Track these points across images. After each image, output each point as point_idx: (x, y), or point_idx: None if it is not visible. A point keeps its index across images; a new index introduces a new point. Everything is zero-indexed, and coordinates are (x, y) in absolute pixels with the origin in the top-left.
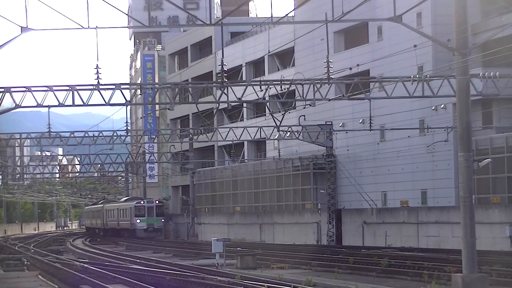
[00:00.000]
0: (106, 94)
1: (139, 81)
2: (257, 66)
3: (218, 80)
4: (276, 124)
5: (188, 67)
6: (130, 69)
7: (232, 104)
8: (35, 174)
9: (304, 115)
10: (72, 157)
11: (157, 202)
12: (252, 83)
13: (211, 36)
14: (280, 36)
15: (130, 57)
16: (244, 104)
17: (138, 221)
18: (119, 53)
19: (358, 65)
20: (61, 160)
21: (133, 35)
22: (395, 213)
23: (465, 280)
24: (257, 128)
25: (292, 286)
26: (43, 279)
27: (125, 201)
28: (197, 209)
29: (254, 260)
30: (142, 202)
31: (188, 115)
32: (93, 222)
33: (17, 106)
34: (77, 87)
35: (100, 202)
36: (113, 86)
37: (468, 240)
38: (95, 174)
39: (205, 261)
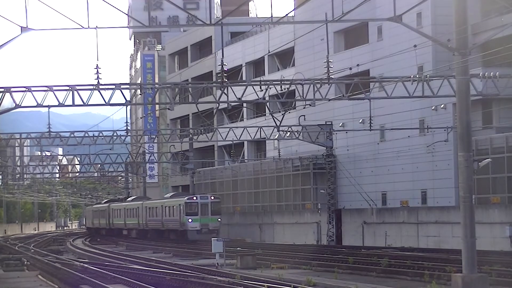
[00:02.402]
0: (106, 94)
1: (139, 81)
2: (257, 66)
3: (218, 80)
4: (276, 124)
5: (188, 67)
6: (130, 69)
7: (232, 104)
8: (35, 174)
9: (304, 115)
10: (72, 157)
11: (212, 198)
12: (252, 83)
13: (211, 36)
14: (280, 36)
15: (130, 57)
16: (244, 104)
17: (190, 220)
18: (119, 53)
19: (358, 65)
20: (61, 160)
21: (133, 35)
22: (395, 213)
23: (465, 280)
24: (257, 128)
25: (292, 286)
26: (43, 279)
27: (172, 197)
28: None
29: (254, 260)
30: (194, 198)
31: (188, 115)
32: (115, 222)
33: (17, 106)
34: (77, 87)
35: (131, 199)
36: (113, 86)
37: (468, 240)
38: (95, 174)
39: (205, 261)
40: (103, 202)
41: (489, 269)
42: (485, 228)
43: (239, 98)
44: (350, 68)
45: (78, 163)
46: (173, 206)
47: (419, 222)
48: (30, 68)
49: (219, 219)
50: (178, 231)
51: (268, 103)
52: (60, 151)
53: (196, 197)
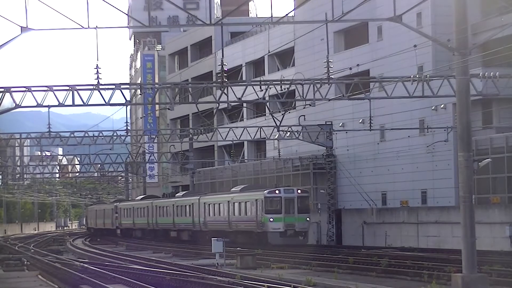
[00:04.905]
0: (106, 94)
1: (139, 81)
2: (257, 66)
3: (218, 80)
4: (276, 124)
5: (188, 67)
6: (130, 69)
7: (232, 104)
8: (35, 174)
9: (304, 115)
10: (72, 157)
11: (299, 191)
12: (252, 83)
13: (211, 36)
14: (280, 36)
15: (130, 57)
16: (244, 104)
17: (271, 220)
18: (119, 53)
19: (358, 65)
20: (61, 160)
21: (133, 35)
22: (395, 213)
23: (465, 280)
24: (257, 128)
25: (292, 286)
26: (43, 279)
27: (242, 190)
28: None
29: (254, 260)
30: (277, 192)
31: (188, 115)
32: (159, 222)
33: (17, 106)
34: (77, 87)
35: (181, 194)
36: (113, 86)
37: (468, 240)
38: (95, 174)
39: (205, 261)
40: (138, 198)
41: (489, 269)
42: (485, 228)
43: (239, 98)
44: (350, 68)
45: (78, 163)
46: (246, 202)
47: (419, 222)
48: (30, 68)
49: (308, 218)
50: (254, 233)
51: (268, 103)
52: (60, 151)
53: (279, 190)
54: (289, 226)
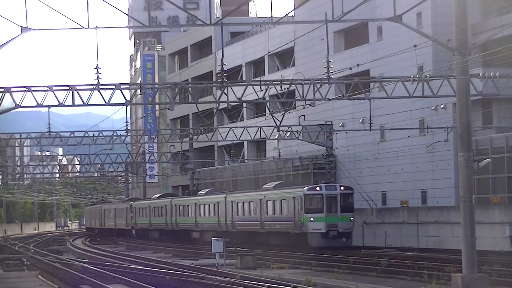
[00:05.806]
0: (106, 94)
1: (139, 81)
2: (257, 66)
3: (218, 80)
4: (276, 124)
5: (188, 67)
6: (130, 69)
7: (232, 104)
8: (35, 174)
9: (304, 115)
10: (72, 157)
11: (342, 188)
12: (252, 83)
13: (211, 36)
14: (280, 36)
15: (130, 57)
16: (244, 104)
17: (312, 219)
18: (119, 53)
19: (358, 65)
20: (61, 160)
21: (133, 35)
22: (395, 213)
23: (465, 280)
24: (257, 128)
25: (292, 286)
26: (43, 279)
27: (276, 187)
28: None
29: (254, 260)
30: (318, 189)
31: (188, 115)
32: (179, 222)
33: (17, 106)
34: (77, 87)
35: (205, 192)
36: (113, 86)
37: (468, 240)
38: (95, 174)
39: (205, 261)
40: (156, 196)
41: (489, 269)
42: (485, 228)
43: (239, 98)
44: (350, 68)
45: (78, 163)
46: (281, 200)
47: (419, 222)
48: (30, 68)
49: (352, 218)
50: (291, 234)
51: (268, 103)
52: (60, 151)
53: (320, 187)
54: (332, 227)
